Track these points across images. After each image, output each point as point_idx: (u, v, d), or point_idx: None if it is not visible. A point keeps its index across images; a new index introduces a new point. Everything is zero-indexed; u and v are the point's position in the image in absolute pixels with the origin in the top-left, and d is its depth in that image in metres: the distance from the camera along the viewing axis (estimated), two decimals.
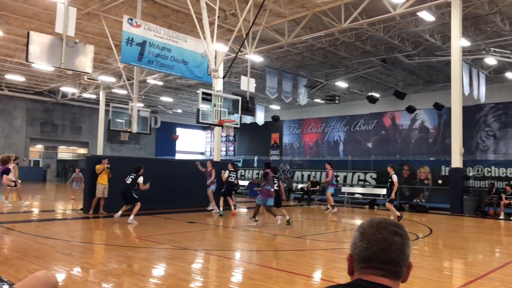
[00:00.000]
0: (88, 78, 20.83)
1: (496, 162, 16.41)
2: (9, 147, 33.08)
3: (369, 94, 26.83)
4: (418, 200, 16.65)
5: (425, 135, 28.15)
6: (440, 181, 16.81)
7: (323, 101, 30.51)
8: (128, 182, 10.97)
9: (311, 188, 20.11)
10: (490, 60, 19.83)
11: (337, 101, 26.98)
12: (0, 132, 33.37)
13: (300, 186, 21.49)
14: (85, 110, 37.68)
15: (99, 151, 30.15)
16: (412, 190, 17.56)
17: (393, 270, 1.21)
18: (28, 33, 11.30)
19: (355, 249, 1.26)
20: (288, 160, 27.17)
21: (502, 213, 14.06)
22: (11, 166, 10.01)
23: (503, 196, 14.27)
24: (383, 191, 17.43)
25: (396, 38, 19.17)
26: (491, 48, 18.59)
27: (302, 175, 22.47)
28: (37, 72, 27.13)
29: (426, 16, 15.69)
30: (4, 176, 9.04)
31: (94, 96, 32.71)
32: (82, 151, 39.38)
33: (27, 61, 11.60)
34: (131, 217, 10.69)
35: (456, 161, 14.60)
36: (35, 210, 14.03)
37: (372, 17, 16.15)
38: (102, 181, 12.45)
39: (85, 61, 12.31)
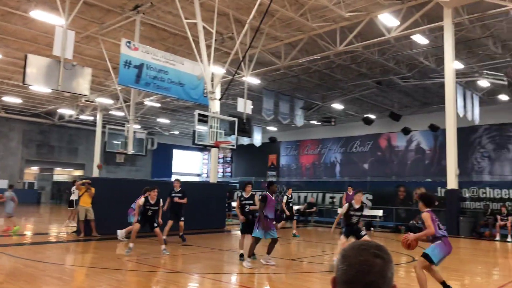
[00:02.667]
0: (85, 100, 20.95)
1: (491, 184, 16.41)
2: (4, 169, 32.93)
3: (365, 116, 27.02)
4: (414, 222, 16.54)
5: (421, 156, 28.23)
6: (436, 203, 16.75)
7: (319, 123, 30.67)
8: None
9: (307, 210, 20.01)
10: (483, 83, 20.09)
11: (333, 123, 27.12)
12: None
13: (296, 207, 21.37)
14: (81, 132, 37.68)
15: (95, 173, 30.02)
16: (409, 211, 17.49)
17: None
18: (26, 56, 11.41)
19: (337, 272, 1.26)
20: (285, 181, 27.12)
21: (497, 234, 13.99)
22: None
23: (499, 217, 14.22)
24: (380, 212, 17.34)
25: (391, 60, 19.44)
26: (484, 71, 18.86)
27: (299, 197, 22.38)
28: (34, 94, 27.26)
29: (420, 39, 15.97)
30: None
31: (91, 118, 32.77)
32: (78, 173, 39.18)
33: (23, 83, 11.67)
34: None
35: (452, 182, 14.60)
36: (28, 233, 13.86)
37: (367, 40, 16.42)
38: (83, 204, 12.36)
39: (82, 84, 12.40)
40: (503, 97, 23.21)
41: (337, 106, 26.83)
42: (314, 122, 31.67)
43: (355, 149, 31.53)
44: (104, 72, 22.51)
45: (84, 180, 12.81)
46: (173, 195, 11.67)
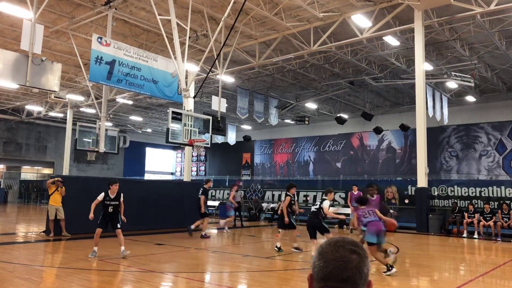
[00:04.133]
0: (55, 97, 20.34)
1: (459, 182, 16.95)
2: None
3: (338, 115, 27.40)
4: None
5: (392, 155, 28.87)
6: (406, 201, 17.18)
7: (293, 122, 30.91)
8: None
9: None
10: (452, 84, 20.69)
11: (307, 122, 27.38)
12: None
13: (271, 206, 21.47)
14: (51, 129, 36.65)
15: (65, 171, 29.26)
16: (380, 209, 17.82)
17: None
18: None
19: (314, 268, 1.26)
20: (259, 180, 27.18)
21: (465, 231, 14.46)
22: None
23: (466, 214, 14.70)
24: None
25: (363, 61, 19.77)
26: (452, 73, 19.45)
27: (273, 195, 22.48)
28: (1, 90, 26.31)
29: (392, 40, 16.31)
30: None
31: (61, 115, 31.92)
32: (47, 171, 38.12)
33: None
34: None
35: (422, 181, 15.00)
36: None
37: (340, 40, 16.65)
38: (53, 203, 12.07)
39: (52, 79, 12.04)
40: (470, 98, 24.00)
41: (311, 105, 27.09)
42: (288, 121, 31.89)
43: (328, 148, 31.94)
44: (74, 68, 21.96)
45: (55, 179, 12.46)
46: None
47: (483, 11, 13.50)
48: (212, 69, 16.60)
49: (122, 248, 8.83)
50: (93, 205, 9.00)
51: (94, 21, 16.02)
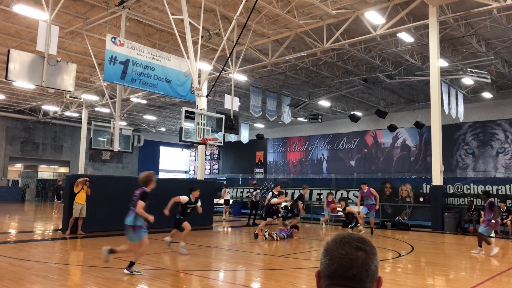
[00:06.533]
0: (70, 97, 20.63)
1: (475, 180, 16.68)
2: None
3: (351, 113, 27.20)
4: (400, 218, 16.75)
5: (407, 153, 28.55)
6: (421, 199, 16.98)
7: (306, 120, 30.80)
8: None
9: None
10: (467, 80, 20.37)
11: (320, 120, 27.24)
12: None
13: (283, 204, 21.44)
14: (66, 128, 37.19)
15: (81, 170, 29.68)
16: (394, 207, 17.69)
17: (356, 286, 1.20)
18: (9, 51, 11.19)
19: (321, 266, 1.25)
20: (273, 178, 27.17)
21: None
22: None
23: (482, 213, 14.46)
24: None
25: (377, 58, 19.58)
26: (468, 69, 19.13)
27: (286, 193, 22.43)
28: (18, 90, 26.79)
29: (406, 37, 16.11)
30: None
31: (76, 115, 32.36)
32: (63, 170, 38.69)
33: (6, 79, 11.44)
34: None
35: (437, 178, 14.80)
36: (12, 231, 13.65)
37: (354, 37, 16.52)
38: (80, 201, 12.24)
39: (67, 80, 12.21)
40: (487, 94, 23.59)
41: (324, 103, 26.95)
42: (301, 119, 31.78)
43: (341, 146, 31.74)
44: (89, 68, 22.22)
45: (84, 178, 12.63)
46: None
47: (500, 5, 13.25)
48: (225, 67, 16.65)
49: (182, 243, 9.55)
50: (172, 202, 9.44)
51: (108, 21, 16.18)
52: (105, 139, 18.00)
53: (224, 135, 14.78)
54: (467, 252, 11.57)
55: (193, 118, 12.87)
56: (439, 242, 13.14)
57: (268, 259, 9.44)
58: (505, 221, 13.83)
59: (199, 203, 9.93)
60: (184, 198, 9.62)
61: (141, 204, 6.91)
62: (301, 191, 15.85)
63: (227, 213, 21.49)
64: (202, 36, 14.52)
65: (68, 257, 9.51)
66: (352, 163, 30.90)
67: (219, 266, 8.85)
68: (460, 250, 11.76)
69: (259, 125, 35.73)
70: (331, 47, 17.14)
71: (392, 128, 26.23)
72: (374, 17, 14.91)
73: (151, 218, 6.93)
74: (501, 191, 15.10)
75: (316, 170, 32.75)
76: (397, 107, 27.64)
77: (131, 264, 7.06)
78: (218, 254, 10.30)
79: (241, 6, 12.87)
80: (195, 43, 14.02)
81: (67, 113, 31.63)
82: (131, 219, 6.96)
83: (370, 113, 28.03)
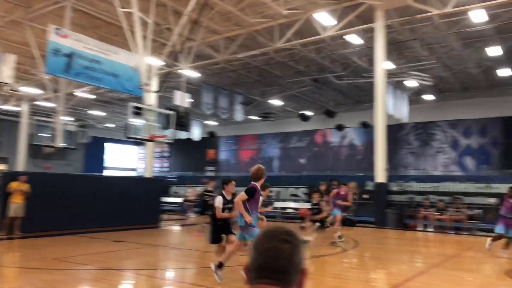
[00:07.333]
0: (10, 90, 19.44)
1: (416, 178, 17.55)
2: None
3: (301, 112, 27.70)
4: (345, 214, 17.25)
5: (354, 152, 29.50)
6: (366, 196, 17.61)
7: (259, 118, 31.00)
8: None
9: None
10: (411, 83, 21.34)
11: (272, 119, 27.51)
12: None
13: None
14: (4, 123, 34.93)
15: (21, 167, 28.07)
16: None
17: (282, 278, 1.21)
18: None
19: (250, 259, 1.26)
20: (225, 176, 27.11)
21: (421, 225, 15.02)
22: None
23: (422, 209, 15.26)
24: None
25: (327, 59, 20.04)
26: (412, 72, 20.05)
27: (237, 191, 22.47)
28: None
29: (354, 39, 16.61)
30: None
31: (17, 109, 30.53)
32: (1, 167, 36.42)
33: None
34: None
35: (380, 176, 15.40)
36: None
37: (305, 38, 16.80)
38: (16, 199, 11.56)
39: (5, 71, 11.53)
40: (429, 97, 24.83)
41: (276, 102, 27.23)
42: (254, 117, 31.93)
43: (292, 145, 32.26)
44: (31, 60, 21.02)
45: (20, 176, 11.87)
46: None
47: (441, 12, 13.97)
48: (176, 63, 16.38)
49: (213, 265, 6.56)
50: (221, 215, 7.11)
51: (51, 11, 15.38)
52: (48, 135, 17.16)
53: (174, 132, 14.54)
54: (408, 246, 12.13)
55: (141, 114, 12.55)
56: (383, 237, 13.70)
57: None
58: (442, 216, 14.64)
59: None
60: (218, 201, 7.19)
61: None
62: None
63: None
64: (152, 31, 14.17)
65: (5, 258, 8.96)
66: (303, 161, 31.50)
67: (165, 265, 8.69)
68: (401, 245, 12.32)
69: (211, 123, 35.48)
70: (283, 47, 17.33)
71: (340, 127, 26.98)
72: (324, 19, 15.23)
73: (248, 219, 5.99)
74: (439, 188, 15.98)
75: (268, 168, 33.00)
76: (345, 107, 28.45)
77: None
78: (165, 253, 10.12)
79: (193, 1, 12.70)
80: (145, 37, 13.66)
81: (6, 107, 29.75)
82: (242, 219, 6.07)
83: (320, 112, 28.66)
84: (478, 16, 13.74)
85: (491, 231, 14.26)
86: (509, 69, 19.31)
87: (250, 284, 1.24)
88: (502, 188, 17.86)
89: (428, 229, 14.79)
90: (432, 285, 6.67)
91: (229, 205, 7.18)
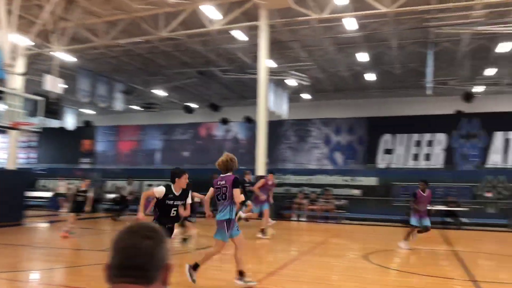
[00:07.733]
0: None
1: (293, 171, 18.68)
2: None
3: (185, 104, 27.46)
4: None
5: (237, 146, 30.26)
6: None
7: (142, 109, 29.83)
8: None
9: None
10: (291, 82, 22.60)
11: (155, 109, 26.72)
12: None
13: (112, 196, 20.38)
14: None
15: None
16: None
17: (142, 275, 1.18)
18: None
19: (109, 257, 1.19)
20: (101, 168, 25.58)
21: (294, 215, 16.09)
22: None
23: (297, 200, 16.33)
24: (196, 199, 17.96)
25: (212, 52, 20.10)
26: (292, 71, 21.23)
27: (116, 185, 21.39)
28: None
29: (239, 35, 16.93)
30: None
31: None
32: None
33: None
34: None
35: (261, 169, 16.05)
36: None
37: (191, 29, 16.59)
38: None
39: None
40: (306, 95, 26.59)
41: (160, 92, 26.50)
42: (136, 107, 30.62)
43: (176, 137, 31.81)
44: None
45: None
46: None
47: (318, 17, 15.00)
48: (47, 44, 14.86)
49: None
50: (143, 201, 5.93)
51: None
52: None
53: (43, 120, 13.22)
54: (285, 236, 12.86)
55: (3, 99, 11.13)
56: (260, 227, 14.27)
57: (89, 254, 8.81)
58: (314, 206, 15.85)
59: (189, 199, 6.17)
60: (159, 191, 5.86)
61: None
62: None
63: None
64: (19, 6, 12.62)
65: None
66: (186, 154, 31.27)
67: (30, 266, 7.86)
68: (278, 235, 13.01)
69: (88, 111, 33.05)
70: (168, 36, 16.89)
71: (224, 121, 27.40)
72: (211, 12, 15.22)
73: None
74: (312, 181, 17.26)
75: (150, 160, 32.08)
76: (230, 102, 28.95)
77: (242, 273, 5.86)
78: (29, 253, 9.16)
79: None
80: (9, 12, 12.10)
81: None
82: (226, 213, 5.73)
83: (205, 106, 28.71)
84: (350, 23, 15.08)
85: (356, 219, 15.91)
86: (374, 74, 21.61)
87: (111, 283, 1.17)
88: (365, 180, 20.07)
89: (301, 219, 15.87)
90: (303, 271, 7.16)
91: (177, 202, 5.94)
